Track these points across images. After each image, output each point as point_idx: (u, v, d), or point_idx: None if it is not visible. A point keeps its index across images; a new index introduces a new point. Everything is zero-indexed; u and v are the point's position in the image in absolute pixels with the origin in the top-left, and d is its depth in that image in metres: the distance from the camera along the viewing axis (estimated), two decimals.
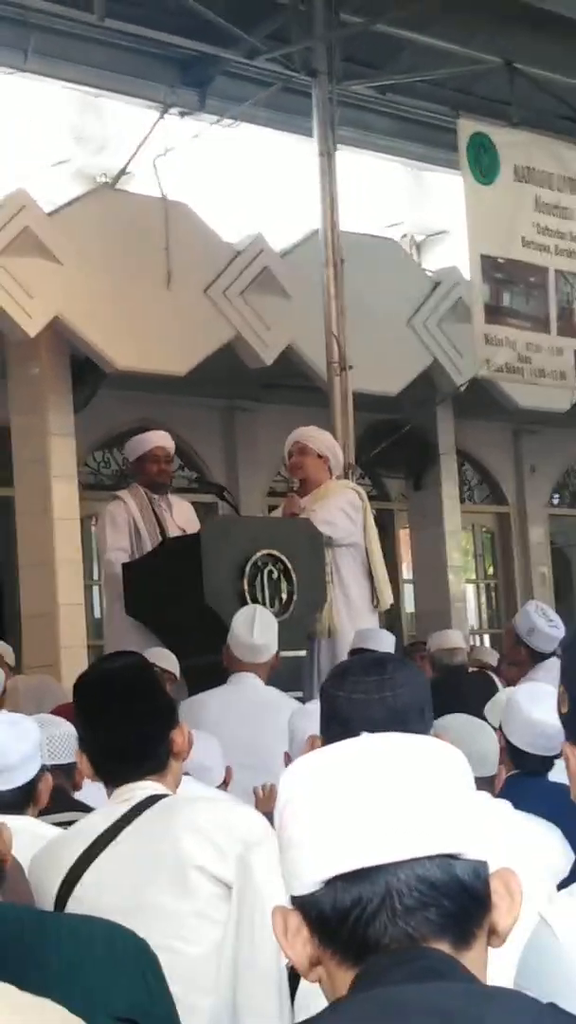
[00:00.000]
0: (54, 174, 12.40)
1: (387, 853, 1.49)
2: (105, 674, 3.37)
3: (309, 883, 1.52)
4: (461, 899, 1.50)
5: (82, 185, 12.36)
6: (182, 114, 12.13)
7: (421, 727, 2.57)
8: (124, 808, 3.14)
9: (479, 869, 1.53)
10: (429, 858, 1.50)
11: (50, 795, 3.99)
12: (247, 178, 13.05)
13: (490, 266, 11.76)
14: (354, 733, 2.52)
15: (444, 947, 1.50)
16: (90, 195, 11.51)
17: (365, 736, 1.59)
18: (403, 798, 1.50)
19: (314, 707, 4.39)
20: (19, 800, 3.49)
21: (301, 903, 1.54)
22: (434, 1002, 1.44)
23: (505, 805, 3.22)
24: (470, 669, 9.21)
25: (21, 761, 3.48)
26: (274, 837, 2.74)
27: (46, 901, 3.06)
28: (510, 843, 2.67)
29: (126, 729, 3.18)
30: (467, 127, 11.78)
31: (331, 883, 1.51)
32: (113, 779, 3.20)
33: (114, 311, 10.90)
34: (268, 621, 6.34)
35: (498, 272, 11.82)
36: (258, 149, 13.04)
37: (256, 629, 6.25)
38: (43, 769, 3.57)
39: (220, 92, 12.22)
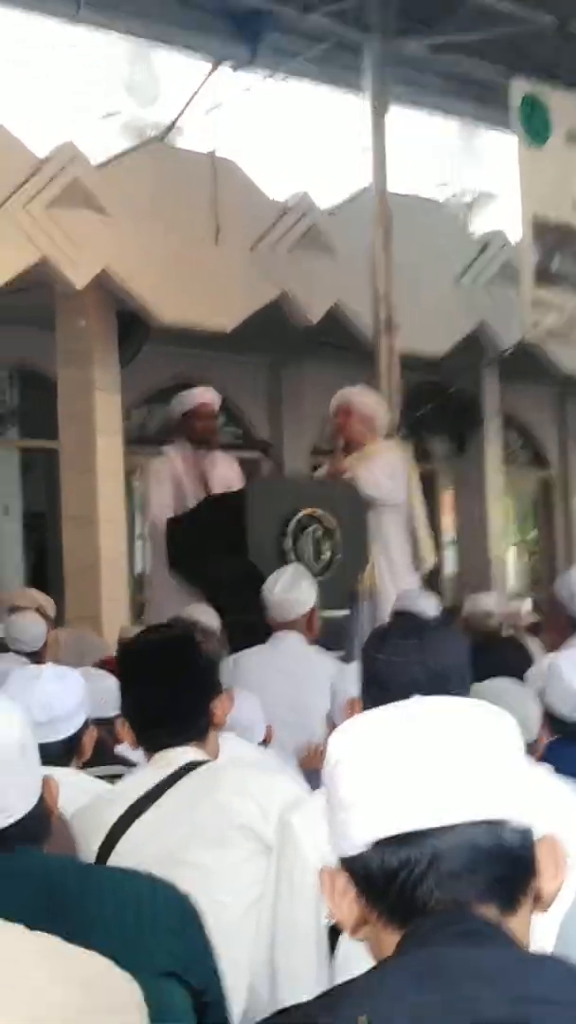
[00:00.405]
0: (104, 126, 12.37)
1: (435, 818, 1.50)
2: (149, 644, 3.40)
3: (357, 845, 1.53)
4: (507, 865, 1.52)
5: (132, 138, 12.33)
6: (234, 68, 12.06)
7: (461, 691, 2.58)
8: (166, 772, 3.17)
9: (525, 835, 1.54)
10: (476, 824, 1.50)
11: (93, 748, 4.02)
12: (297, 134, 12.99)
13: (540, 229, 11.68)
14: (393, 696, 2.53)
15: (489, 912, 1.51)
16: (140, 149, 11.49)
17: (416, 699, 1.59)
18: (453, 763, 1.51)
19: (356, 668, 4.42)
20: (63, 752, 3.52)
21: (349, 864, 1.55)
22: (478, 965, 1.45)
23: (546, 770, 3.22)
24: (504, 634, 9.18)
25: (67, 714, 3.50)
26: (314, 799, 2.76)
27: (88, 860, 3.09)
28: (552, 809, 2.67)
29: (167, 698, 3.22)
30: (520, 88, 11.69)
31: (379, 845, 1.52)
32: (153, 746, 3.23)
33: (161, 265, 10.89)
34: (297, 578, 6.35)
35: (548, 235, 11.74)
36: (309, 105, 12.97)
37: (280, 585, 6.27)
38: (88, 722, 3.59)
39: (272, 47, 12.14)
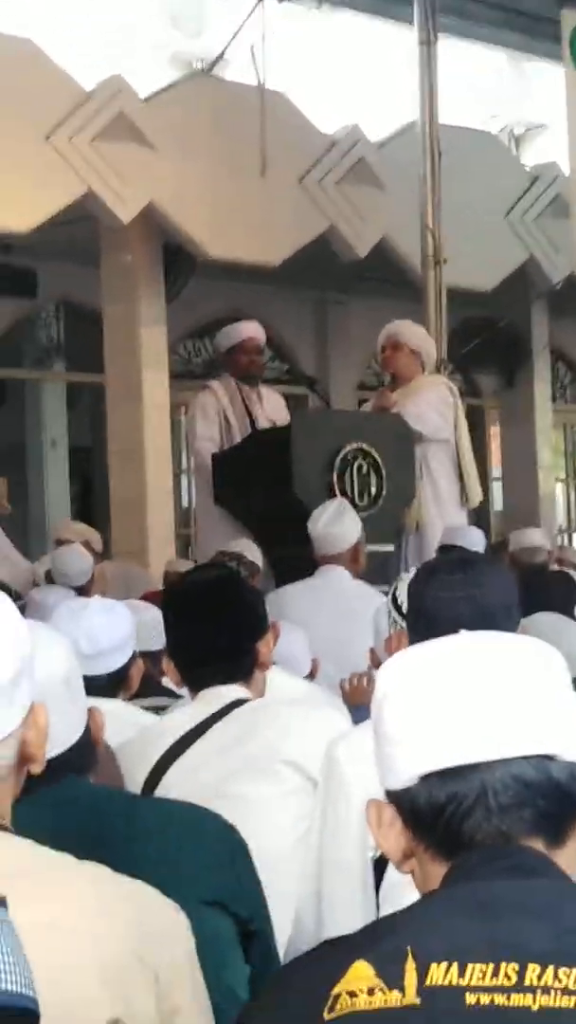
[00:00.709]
0: (151, 58, 12.28)
1: (483, 752, 1.50)
2: (196, 583, 3.41)
3: (405, 778, 1.53)
4: (556, 799, 1.51)
5: (178, 70, 12.24)
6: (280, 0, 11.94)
7: (508, 626, 2.57)
8: (212, 708, 3.18)
9: (574, 770, 1.53)
10: (525, 758, 1.50)
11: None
12: (345, 66, 12.85)
13: None
14: (440, 631, 2.52)
15: (537, 845, 1.51)
16: (186, 81, 11.41)
17: (464, 633, 1.59)
18: (501, 697, 1.51)
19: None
20: (111, 685, 3.53)
21: (396, 797, 1.56)
22: (524, 898, 1.45)
23: None
24: (552, 568, 9.15)
25: (114, 646, 3.51)
26: (360, 732, 2.76)
27: (133, 791, 3.11)
28: None
29: (213, 638, 3.23)
30: (571, 19, 11.50)
31: (426, 779, 1.52)
32: (199, 685, 3.25)
33: (208, 199, 10.83)
34: (340, 512, 6.35)
35: None
36: (357, 37, 12.83)
37: (324, 519, 6.28)
38: (135, 655, 3.60)
39: None
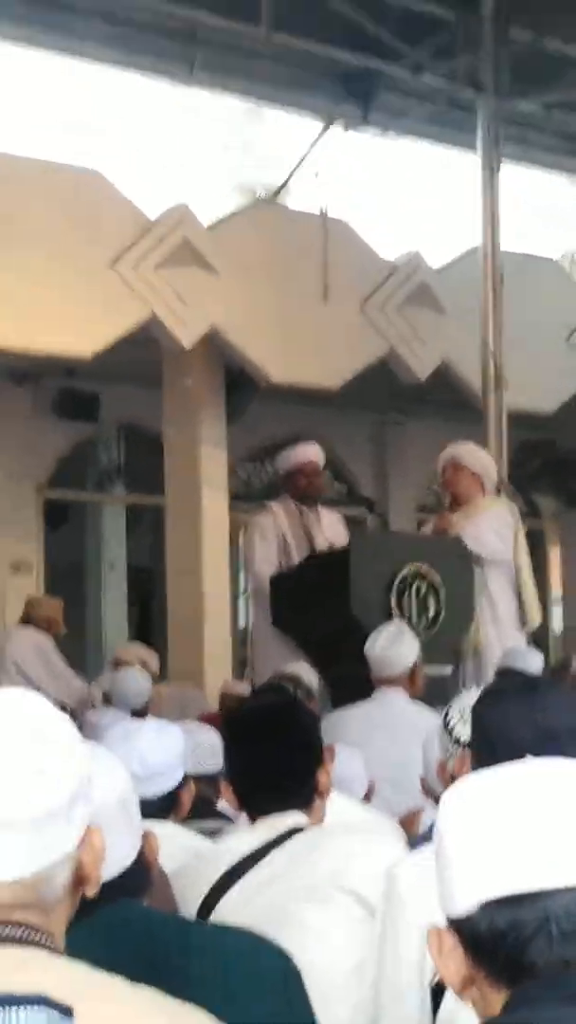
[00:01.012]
0: (217, 186, 12.50)
1: (545, 880, 1.49)
2: (257, 709, 3.41)
3: (466, 905, 1.52)
4: None
5: (243, 197, 12.45)
6: (345, 128, 12.14)
7: (573, 751, 2.54)
8: (271, 834, 3.15)
9: None
10: None
11: (194, 803, 3.99)
12: (408, 193, 13.03)
13: None
14: (504, 754, 2.50)
15: None
16: (250, 209, 11.60)
17: (528, 760, 1.57)
18: (564, 824, 1.50)
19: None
20: (163, 807, 3.50)
21: (457, 923, 1.54)
22: None
23: None
24: None
25: (166, 768, 3.49)
26: (419, 857, 2.72)
27: (188, 915, 3.07)
28: None
29: (274, 764, 3.22)
30: None
31: (488, 905, 1.51)
32: (258, 812, 3.22)
33: (270, 324, 10.95)
34: (398, 633, 6.32)
35: None
36: (420, 163, 13.01)
37: (381, 640, 6.25)
38: (187, 777, 3.57)
39: (384, 106, 12.20)
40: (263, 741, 3.25)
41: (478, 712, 2.64)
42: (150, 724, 3.60)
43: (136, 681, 7.59)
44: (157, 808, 3.44)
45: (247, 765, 3.26)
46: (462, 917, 1.52)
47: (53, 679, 9.11)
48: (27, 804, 1.65)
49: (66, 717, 1.73)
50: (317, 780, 3.26)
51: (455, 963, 1.55)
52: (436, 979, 2.47)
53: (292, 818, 3.18)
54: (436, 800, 4.35)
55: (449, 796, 1.59)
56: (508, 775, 1.56)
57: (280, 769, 3.21)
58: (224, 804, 4.50)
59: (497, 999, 1.51)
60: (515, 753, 2.47)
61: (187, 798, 3.60)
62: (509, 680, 2.81)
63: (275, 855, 3.12)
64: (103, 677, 8.18)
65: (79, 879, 1.72)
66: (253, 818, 3.24)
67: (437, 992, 2.47)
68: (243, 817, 3.49)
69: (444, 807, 1.58)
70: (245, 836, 3.26)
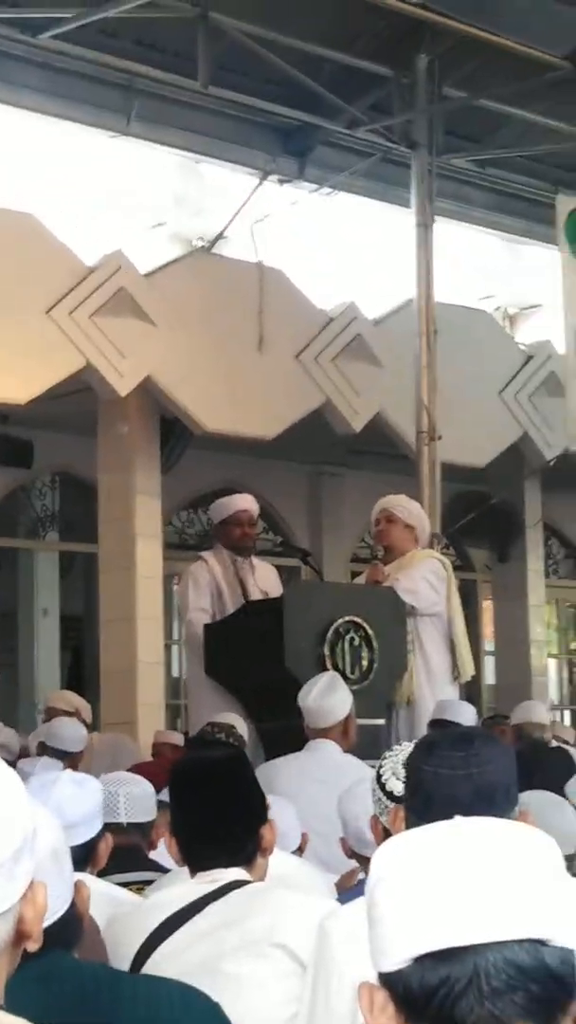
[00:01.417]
0: (152, 236, 12.54)
1: (477, 934, 1.48)
2: (204, 762, 3.40)
3: (397, 960, 1.52)
4: (548, 985, 1.50)
5: (179, 248, 12.49)
6: (281, 181, 12.24)
7: (507, 805, 2.55)
8: (210, 887, 3.15)
9: (566, 956, 1.52)
10: (518, 942, 1.49)
11: (127, 854, 3.98)
12: (343, 246, 13.13)
13: None
14: (438, 807, 2.51)
15: None
16: (186, 258, 11.63)
17: (459, 819, 1.58)
18: (495, 881, 1.50)
19: (361, 789, 4.37)
20: (79, 858, 3.46)
21: (388, 979, 1.54)
22: None
23: None
24: (551, 745, 9.10)
25: (84, 819, 3.47)
26: (351, 912, 2.72)
27: (122, 967, 3.06)
28: None
29: (219, 820, 3.22)
30: (566, 203, 11.80)
31: (419, 961, 1.50)
32: (201, 866, 3.21)
33: (205, 373, 10.98)
34: (332, 686, 6.32)
35: None
36: (355, 218, 13.12)
37: (314, 692, 6.24)
38: (104, 829, 3.55)
39: (319, 161, 12.33)
40: (210, 795, 3.25)
41: (413, 765, 2.63)
42: (68, 774, 3.58)
43: (73, 727, 7.60)
44: (74, 860, 3.42)
45: (193, 819, 3.26)
46: (393, 972, 1.52)
47: None
48: None
49: (11, 771, 1.72)
50: (261, 836, 3.26)
51: (386, 1020, 1.54)
52: None
53: (233, 874, 3.18)
54: (358, 859, 4.36)
55: (381, 852, 1.58)
56: (437, 834, 1.56)
57: (226, 824, 3.22)
58: (157, 854, 4.49)
59: None
60: (449, 805, 2.48)
61: (104, 849, 3.59)
62: (446, 732, 2.82)
63: (212, 908, 3.12)
64: (40, 728, 8.13)
65: (20, 934, 1.71)
66: (194, 871, 3.24)
67: None
68: (177, 868, 3.48)
69: (376, 862, 1.58)
70: (184, 888, 3.25)
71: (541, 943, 1.49)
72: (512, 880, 1.50)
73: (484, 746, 2.58)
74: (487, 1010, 1.48)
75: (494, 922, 1.48)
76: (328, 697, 6.23)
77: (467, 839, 1.54)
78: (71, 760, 6.97)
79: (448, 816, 1.59)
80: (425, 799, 2.52)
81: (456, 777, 2.52)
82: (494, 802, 2.49)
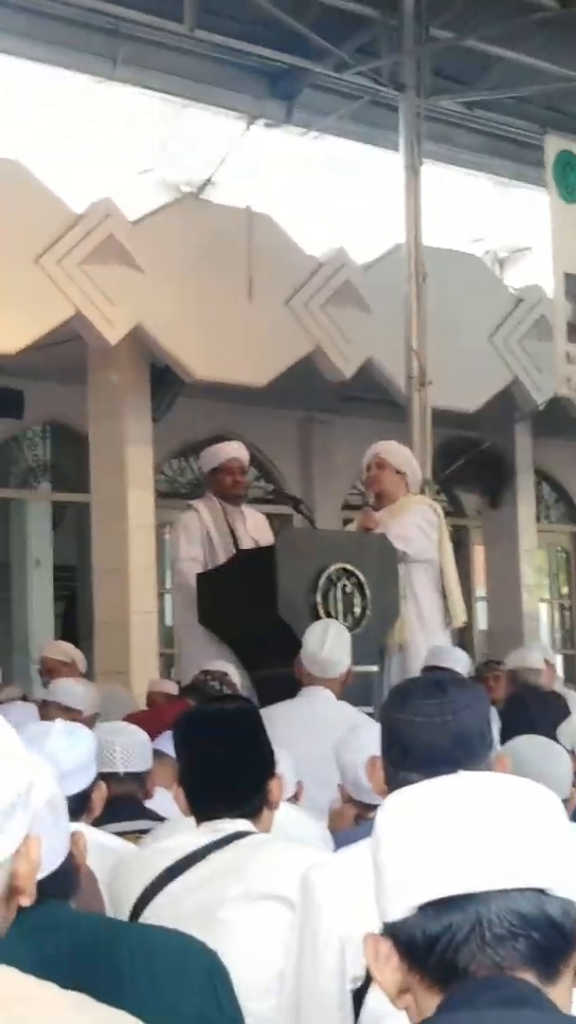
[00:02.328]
0: (139, 183, 12.47)
1: (480, 882, 1.51)
2: (215, 714, 3.39)
3: (401, 909, 1.54)
4: (549, 934, 1.52)
5: (167, 194, 12.42)
6: (268, 126, 12.16)
7: (483, 749, 2.55)
8: (214, 837, 3.15)
9: (567, 907, 1.54)
10: (520, 891, 1.51)
11: (123, 803, 3.98)
12: (331, 191, 13.06)
13: (574, 284, 11.70)
14: (414, 755, 2.51)
15: (530, 978, 1.52)
16: (174, 205, 11.57)
17: (463, 774, 1.60)
18: (498, 831, 1.52)
19: (358, 737, 4.38)
20: (74, 808, 3.47)
21: (392, 928, 1.56)
22: None
23: None
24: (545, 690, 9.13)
25: (77, 769, 3.47)
26: (339, 862, 2.73)
27: (122, 913, 3.07)
28: None
29: (230, 772, 3.22)
30: (555, 144, 11.74)
31: (423, 909, 1.52)
32: (208, 816, 3.22)
33: (195, 321, 10.94)
34: (340, 636, 6.32)
35: None
36: (343, 162, 13.05)
37: (327, 644, 6.23)
38: (98, 778, 3.56)
39: (307, 105, 12.24)
40: (217, 746, 3.24)
41: (388, 713, 2.62)
42: (60, 724, 3.59)
43: (76, 685, 7.44)
44: (69, 809, 3.43)
45: (202, 770, 3.26)
46: (398, 922, 1.54)
47: None
48: None
49: (7, 724, 1.71)
50: (269, 790, 3.27)
51: (391, 970, 1.56)
52: (358, 983, 2.49)
53: (238, 825, 3.19)
54: (356, 805, 4.38)
55: (386, 805, 1.60)
56: (442, 787, 1.58)
57: (236, 777, 3.22)
58: (153, 803, 4.50)
59: (431, 1002, 1.53)
60: (426, 754, 2.48)
61: (99, 798, 3.59)
62: (418, 680, 2.82)
63: (214, 857, 3.13)
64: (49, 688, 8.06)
65: (13, 890, 1.71)
66: (200, 821, 3.24)
67: (358, 995, 2.48)
68: (174, 817, 3.49)
69: (381, 815, 1.60)
70: (187, 836, 3.26)
71: (543, 892, 1.52)
72: (515, 830, 1.53)
73: (458, 692, 2.58)
74: (488, 957, 1.50)
75: (496, 870, 1.50)
76: (339, 649, 6.24)
77: (471, 792, 1.57)
78: (71, 715, 6.92)
79: (426, 764, 1.61)
80: (402, 749, 2.52)
81: (432, 724, 2.52)
82: (471, 747, 2.49)
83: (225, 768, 3.23)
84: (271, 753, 3.33)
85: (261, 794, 3.25)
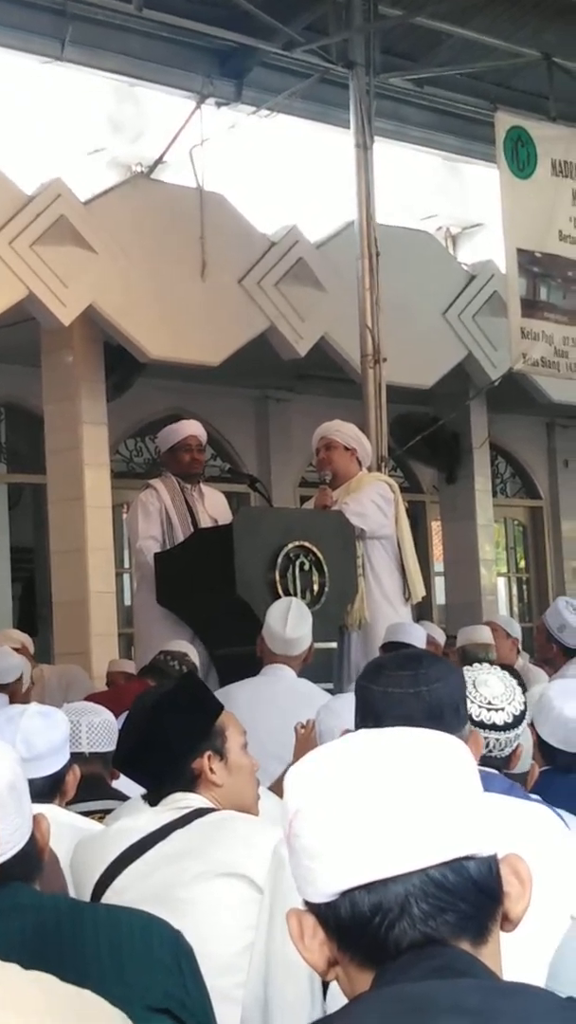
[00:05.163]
0: (90, 163, 12.42)
1: (403, 863, 1.50)
2: (162, 697, 3.42)
3: (326, 892, 1.53)
4: (476, 898, 1.52)
5: (118, 174, 12.38)
6: (219, 104, 12.13)
7: (456, 723, 2.58)
8: (174, 815, 3.17)
9: (490, 864, 1.55)
10: (443, 864, 1.51)
11: (89, 783, 4.00)
12: (283, 169, 13.05)
13: (527, 260, 11.75)
14: (391, 727, 2.53)
15: (464, 946, 1.52)
16: (126, 184, 11.53)
17: (363, 733, 1.59)
18: (414, 805, 1.51)
19: (340, 704, 4.41)
20: (47, 790, 3.51)
21: (316, 909, 1.55)
22: (454, 998, 1.45)
23: (537, 802, 3.22)
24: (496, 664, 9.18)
25: (50, 751, 3.50)
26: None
27: (84, 893, 3.09)
28: (542, 842, 2.67)
29: (149, 747, 3.26)
30: (505, 121, 11.76)
31: (347, 893, 1.52)
32: (161, 794, 3.25)
33: (148, 300, 10.92)
34: (303, 614, 6.34)
35: (535, 266, 11.80)
36: (294, 140, 13.04)
37: (290, 622, 6.25)
38: (72, 760, 3.59)
39: (257, 83, 12.21)
40: (144, 723, 3.27)
41: (363, 685, 2.64)
42: (34, 707, 3.62)
43: (6, 655, 7.46)
44: (42, 791, 3.46)
45: (119, 753, 3.28)
46: (322, 904, 1.53)
47: None
48: None
49: None
50: (196, 767, 3.29)
51: (317, 946, 1.55)
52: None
53: (194, 800, 3.21)
54: None
55: (294, 781, 1.57)
56: (346, 755, 1.56)
57: (154, 752, 3.24)
58: (119, 783, 4.52)
59: (364, 978, 1.52)
60: (399, 726, 2.50)
61: (72, 780, 3.62)
62: (394, 654, 2.84)
63: (176, 835, 3.15)
64: None
65: None
66: (154, 801, 3.27)
67: None
68: (136, 796, 3.51)
69: (291, 794, 1.57)
70: (147, 816, 3.28)
71: (465, 859, 1.52)
72: (429, 800, 1.51)
73: (432, 665, 2.61)
74: (420, 932, 1.50)
75: (418, 851, 1.50)
76: (302, 627, 6.25)
77: (379, 759, 1.54)
78: (8, 690, 6.95)
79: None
80: (376, 720, 2.54)
81: (406, 696, 2.54)
82: (444, 720, 2.52)
83: (147, 744, 3.26)
84: (201, 732, 3.34)
85: (187, 770, 3.27)
